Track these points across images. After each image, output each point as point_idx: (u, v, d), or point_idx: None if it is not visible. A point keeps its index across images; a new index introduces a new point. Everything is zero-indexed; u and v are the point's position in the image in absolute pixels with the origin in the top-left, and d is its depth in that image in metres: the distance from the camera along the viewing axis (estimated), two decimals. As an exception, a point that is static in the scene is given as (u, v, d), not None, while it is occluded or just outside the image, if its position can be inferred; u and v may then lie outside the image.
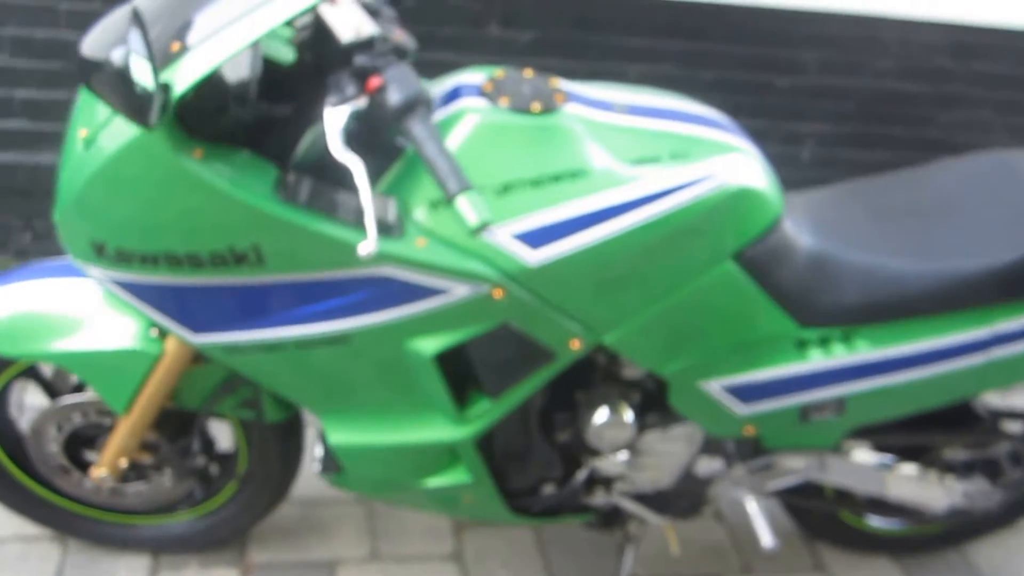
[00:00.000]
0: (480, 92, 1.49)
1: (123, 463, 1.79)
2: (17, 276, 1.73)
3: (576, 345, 1.53)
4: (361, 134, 1.37)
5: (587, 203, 1.44)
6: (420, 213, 1.43)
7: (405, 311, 1.45)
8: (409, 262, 1.41)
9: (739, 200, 1.51)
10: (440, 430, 1.60)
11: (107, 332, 1.64)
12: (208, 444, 1.93)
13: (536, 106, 1.46)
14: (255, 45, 1.45)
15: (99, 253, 1.45)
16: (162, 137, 1.32)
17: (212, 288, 1.44)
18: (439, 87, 1.56)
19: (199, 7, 1.31)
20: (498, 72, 1.55)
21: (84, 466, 1.88)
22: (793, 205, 1.70)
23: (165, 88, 1.26)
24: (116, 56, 1.16)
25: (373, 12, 1.51)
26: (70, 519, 1.99)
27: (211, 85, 1.33)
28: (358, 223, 1.39)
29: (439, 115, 1.48)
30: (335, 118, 1.29)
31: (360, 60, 1.30)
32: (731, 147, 1.56)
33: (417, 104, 1.27)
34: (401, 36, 1.47)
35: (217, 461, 1.96)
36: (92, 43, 1.17)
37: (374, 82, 1.29)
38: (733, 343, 1.60)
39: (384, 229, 1.39)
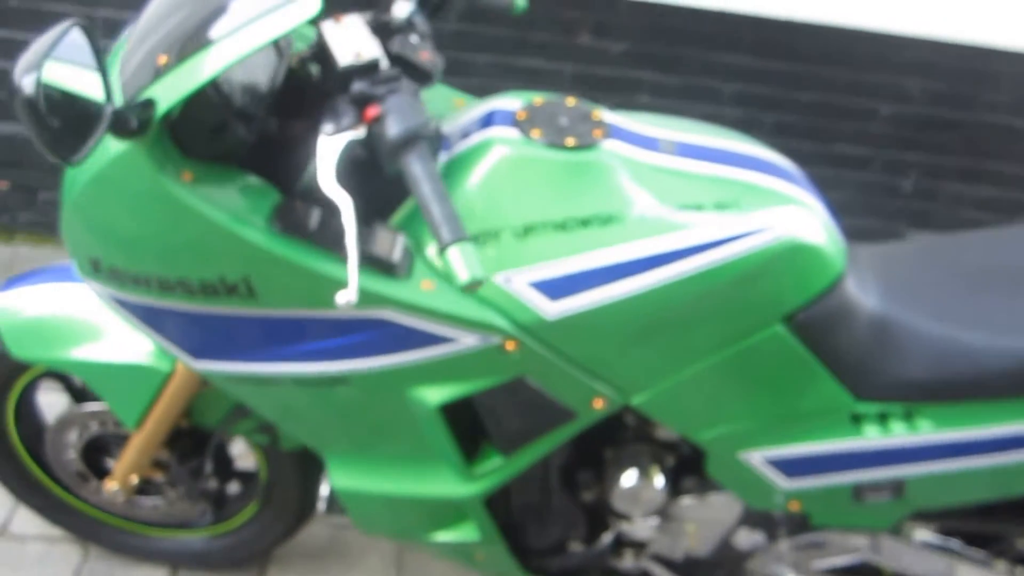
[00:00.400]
0: (513, 121, 1.38)
1: (134, 479, 1.75)
2: (41, 277, 1.69)
3: (599, 405, 1.40)
4: (374, 160, 1.27)
5: (617, 252, 1.30)
6: (432, 252, 1.33)
7: (407, 357, 1.35)
8: (411, 307, 1.30)
9: (793, 257, 1.36)
10: (446, 485, 1.49)
11: (121, 345, 1.60)
12: (225, 466, 1.88)
13: (570, 140, 1.34)
14: (281, 55, 1.37)
15: (96, 269, 1.38)
16: (148, 156, 1.22)
17: (207, 316, 1.35)
18: (474, 111, 1.45)
19: (194, 18, 1.21)
20: (537, 99, 1.43)
21: (103, 473, 1.84)
22: (860, 259, 1.53)
23: (148, 104, 1.17)
24: (26, 83, 1.03)
25: (400, 28, 1.41)
26: (91, 525, 1.97)
27: (206, 102, 1.24)
28: (361, 262, 1.28)
29: (467, 142, 1.38)
30: (329, 148, 1.18)
31: (358, 86, 1.19)
32: (789, 198, 1.40)
33: (417, 139, 1.15)
34: (427, 57, 1.36)
35: (239, 480, 1.91)
36: (20, 66, 1.06)
37: (372, 111, 1.18)
38: (779, 413, 1.45)
39: (386, 268, 1.28)
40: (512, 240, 1.30)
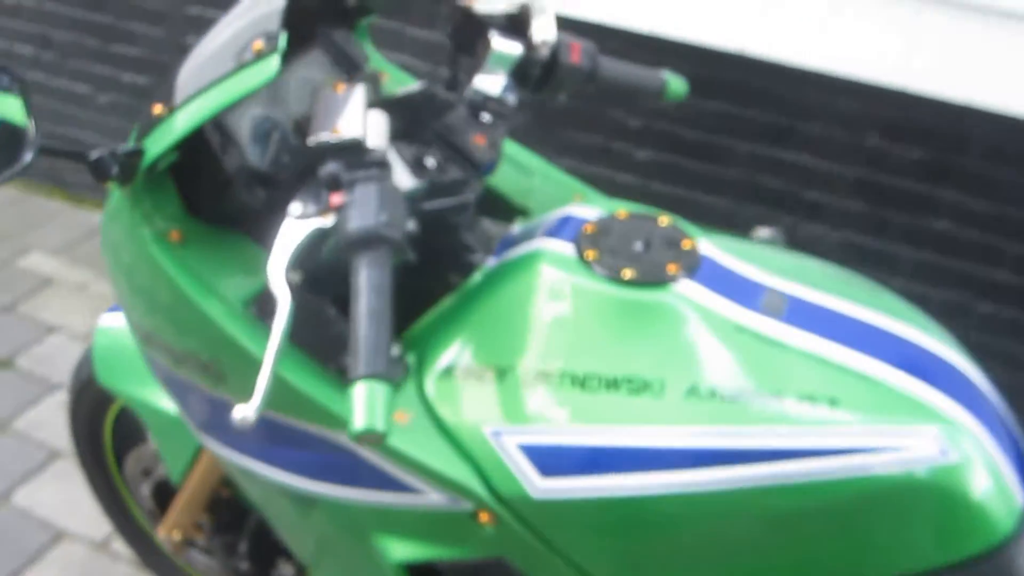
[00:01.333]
0: (576, 234, 1.07)
1: (176, 535, 1.63)
2: None
3: None
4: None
5: (642, 434, 0.95)
6: (426, 377, 1.05)
7: (367, 496, 1.08)
8: None
9: (925, 501, 0.93)
10: None
11: None
12: (267, 549, 1.68)
13: (628, 272, 1.01)
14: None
15: (123, 312, 1.29)
16: (131, 206, 1.10)
17: (194, 387, 1.18)
18: (555, 213, 1.16)
19: (188, 69, 1.08)
20: (621, 211, 1.11)
21: None
22: None
23: (134, 153, 1.05)
24: None
25: (473, 103, 1.15)
26: (160, 560, 1.90)
27: (209, 157, 1.09)
28: (336, 369, 1.05)
29: (521, 248, 1.09)
30: (291, 233, 0.96)
31: (330, 168, 0.96)
32: (937, 415, 0.95)
33: (375, 242, 0.90)
34: (480, 142, 1.10)
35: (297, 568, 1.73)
36: None
37: (335, 199, 0.95)
38: None
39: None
40: (518, 386, 1.00)
